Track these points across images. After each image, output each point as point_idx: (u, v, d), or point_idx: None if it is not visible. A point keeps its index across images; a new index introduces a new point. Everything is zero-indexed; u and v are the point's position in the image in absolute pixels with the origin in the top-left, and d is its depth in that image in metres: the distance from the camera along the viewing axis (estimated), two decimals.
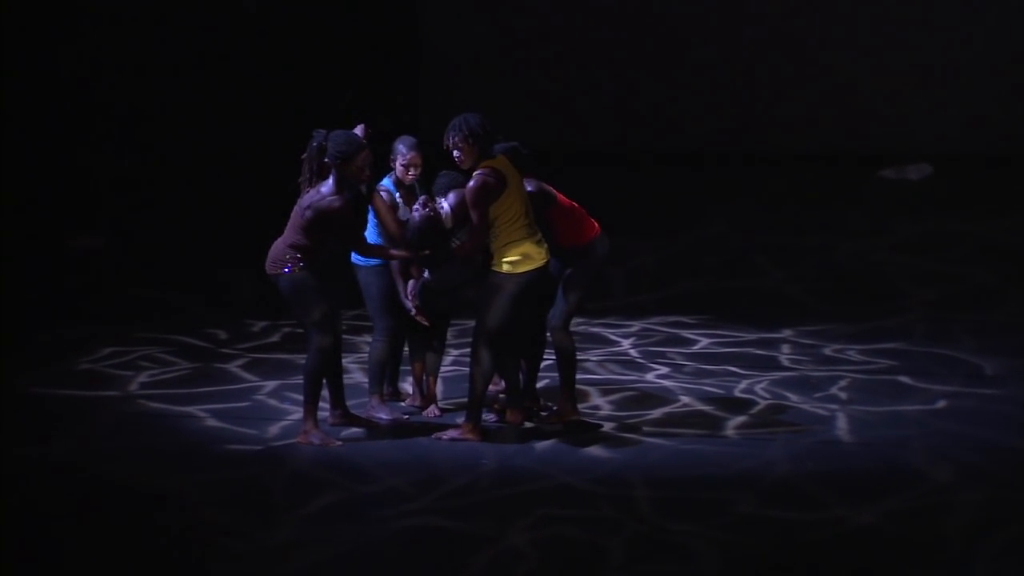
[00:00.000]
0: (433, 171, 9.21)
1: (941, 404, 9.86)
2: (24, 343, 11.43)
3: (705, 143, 16.58)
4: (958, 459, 8.61)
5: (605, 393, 10.08)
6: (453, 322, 9.98)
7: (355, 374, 10.26)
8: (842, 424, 9.40)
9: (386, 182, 9.27)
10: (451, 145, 8.80)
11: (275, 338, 11.65)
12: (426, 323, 9.25)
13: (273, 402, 9.90)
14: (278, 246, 8.85)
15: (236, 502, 8.02)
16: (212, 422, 9.48)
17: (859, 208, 14.94)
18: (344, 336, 9.79)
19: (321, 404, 9.02)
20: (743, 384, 10.33)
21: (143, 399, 10.02)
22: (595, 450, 8.90)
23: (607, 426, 9.34)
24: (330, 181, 8.73)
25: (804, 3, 16.70)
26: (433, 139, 9.12)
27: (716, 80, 16.71)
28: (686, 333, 11.90)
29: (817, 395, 10.04)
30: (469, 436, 8.92)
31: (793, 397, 10.00)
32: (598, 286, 9.70)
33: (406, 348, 9.57)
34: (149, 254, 13.67)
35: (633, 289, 13.19)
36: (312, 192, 8.76)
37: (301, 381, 9.01)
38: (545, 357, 9.52)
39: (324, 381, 9.01)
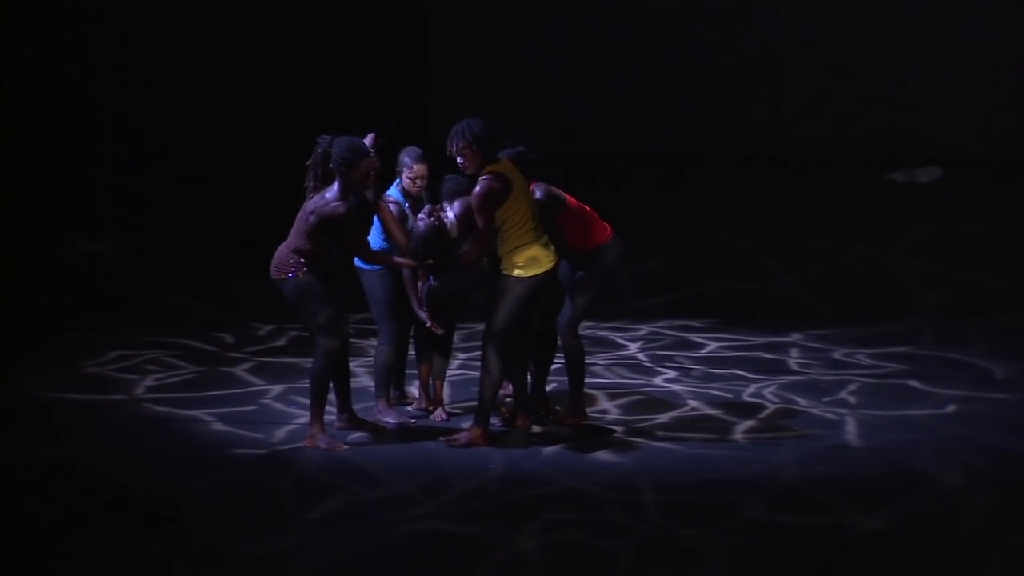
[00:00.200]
0: (439, 177, 9.19)
1: (951, 408, 9.83)
2: (31, 347, 11.43)
3: (713, 145, 16.53)
4: (968, 464, 8.57)
5: (613, 397, 10.06)
6: (461, 326, 9.95)
7: (361, 378, 10.23)
8: (851, 428, 9.37)
9: (393, 192, 9.24)
10: (454, 151, 8.74)
11: (281, 342, 11.64)
12: (440, 332, 9.22)
13: (280, 406, 9.88)
14: (282, 251, 8.83)
15: (243, 506, 7.99)
16: (218, 426, 9.47)
17: (868, 211, 14.91)
18: (350, 340, 9.76)
19: (328, 408, 9.00)
20: (751, 388, 10.31)
21: (149, 403, 10.01)
22: (603, 454, 8.87)
23: (615, 430, 9.31)
24: (335, 187, 8.72)
25: (818, 4, 16.64)
26: (438, 147, 9.08)
27: (728, 82, 16.66)
28: (694, 337, 11.88)
29: (826, 399, 10.01)
30: (477, 441, 8.90)
31: (802, 401, 9.97)
32: (608, 290, 9.66)
33: (412, 351, 9.54)
34: (155, 258, 13.65)
35: (641, 292, 13.16)
36: (317, 197, 8.75)
37: (308, 385, 9.00)
38: (555, 361, 9.50)
39: (331, 385, 9.00)
